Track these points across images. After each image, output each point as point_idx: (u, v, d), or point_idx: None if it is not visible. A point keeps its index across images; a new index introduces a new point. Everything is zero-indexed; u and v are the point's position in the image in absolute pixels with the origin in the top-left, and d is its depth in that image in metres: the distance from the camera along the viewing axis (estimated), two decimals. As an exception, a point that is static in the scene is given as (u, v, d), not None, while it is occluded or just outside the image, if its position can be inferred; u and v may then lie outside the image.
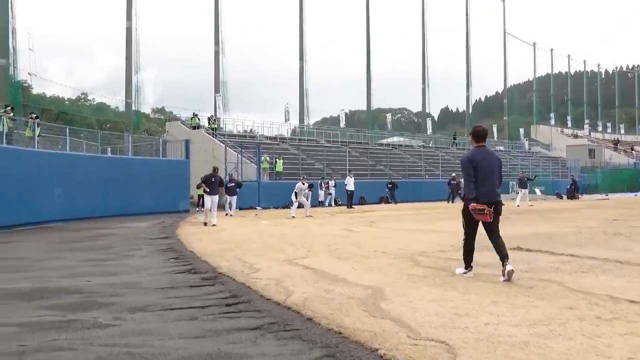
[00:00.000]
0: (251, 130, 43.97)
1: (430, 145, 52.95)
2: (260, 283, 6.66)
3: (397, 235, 12.53)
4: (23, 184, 17.12)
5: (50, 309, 5.58)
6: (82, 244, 12.26)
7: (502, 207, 6.77)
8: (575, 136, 71.77)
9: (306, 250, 9.82)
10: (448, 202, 33.49)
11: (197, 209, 27.32)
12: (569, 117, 76.87)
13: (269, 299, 5.80)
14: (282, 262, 8.44)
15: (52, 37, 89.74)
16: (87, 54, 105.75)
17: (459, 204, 32.37)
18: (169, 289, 6.60)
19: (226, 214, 22.27)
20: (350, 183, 28.05)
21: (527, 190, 27.62)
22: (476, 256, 7.89)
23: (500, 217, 6.72)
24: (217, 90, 42.40)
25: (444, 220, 17.44)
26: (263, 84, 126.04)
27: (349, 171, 30.07)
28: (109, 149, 26.39)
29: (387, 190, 33.91)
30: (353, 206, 28.03)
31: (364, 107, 61.50)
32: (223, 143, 34.26)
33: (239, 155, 31.65)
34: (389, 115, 61.82)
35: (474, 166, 6.60)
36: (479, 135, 6.93)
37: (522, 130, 67.52)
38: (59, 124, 23.74)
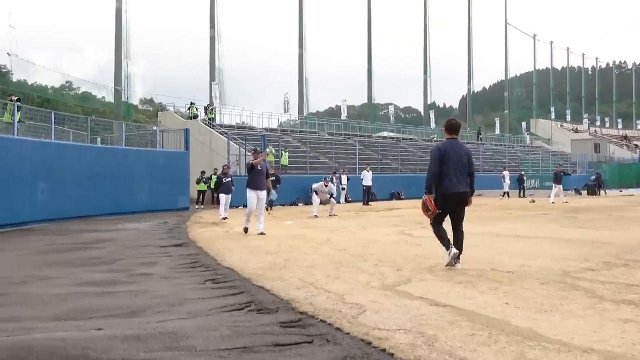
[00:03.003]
0: (243, 122, 40.88)
1: (436, 139, 50.31)
2: (397, 340, 3.92)
3: (483, 242, 9.84)
4: (-1, 177, 14.19)
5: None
6: (76, 254, 9.43)
7: (469, 199, 7.01)
8: (576, 130, 69.75)
9: (394, 268, 7.10)
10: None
11: (197, 207, 24.54)
12: (568, 111, 74.77)
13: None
14: (381, 290, 5.72)
15: (39, 30, 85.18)
16: (75, 49, 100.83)
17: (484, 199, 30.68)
18: (241, 351, 3.86)
19: (223, 218, 16.98)
20: (367, 177, 25.34)
21: (561, 186, 25.08)
22: None
23: (466, 208, 7.04)
24: (212, 78, 39.38)
25: (506, 221, 14.90)
26: (256, 80, 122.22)
27: (367, 164, 27.30)
28: (98, 139, 23.39)
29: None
30: (370, 203, 25.34)
31: (353, 102, 58.24)
32: (222, 134, 31.41)
33: (241, 148, 28.80)
34: (391, 108, 59.20)
35: (444, 157, 6.73)
36: (452, 128, 7.06)
37: (524, 124, 65.27)
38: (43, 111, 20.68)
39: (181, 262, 8.24)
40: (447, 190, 6.77)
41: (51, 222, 15.87)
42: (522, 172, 34.31)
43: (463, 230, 6.99)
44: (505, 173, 33.37)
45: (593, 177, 36.09)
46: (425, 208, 6.86)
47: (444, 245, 6.95)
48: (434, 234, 7.03)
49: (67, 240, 11.81)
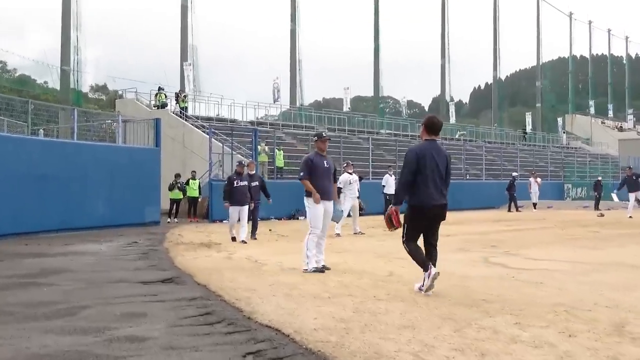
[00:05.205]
0: (218, 114, 38.64)
1: (458, 137, 48.58)
2: None
3: (630, 280, 7.94)
4: None
5: None
6: (14, 295, 7.31)
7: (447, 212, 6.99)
8: (620, 129, 68.59)
9: (556, 330, 5.09)
10: (509, 210, 29.55)
11: (169, 221, 22.40)
12: (610, 106, 73.65)
13: None
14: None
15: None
16: (15, 31, 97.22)
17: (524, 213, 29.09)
18: None
19: (235, 238, 14.36)
20: (389, 184, 23.23)
21: (637, 194, 23.33)
22: None
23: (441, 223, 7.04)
24: (184, 57, 37.18)
25: (608, 243, 13.23)
26: (235, 66, 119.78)
27: (389, 167, 25.23)
28: (40, 130, 21.15)
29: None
30: (393, 217, 23.30)
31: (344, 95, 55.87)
32: (200, 128, 29.34)
33: (225, 146, 26.64)
34: (403, 99, 57.35)
35: (421, 163, 6.74)
36: (433, 127, 7.04)
37: (559, 121, 63.82)
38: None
39: (185, 314, 6.14)
40: (424, 203, 6.75)
41: (-23, 241, 13.73)
42: (600, 178, 32.62)
43: (436, 247, 7.04)
44: (537, 180, 31.81)
45: None
46: (390, 222, 6.90)
47: (420, 266, 6.87)
48: (408, 253, 7.00)
49: (0, 270, 9.64)
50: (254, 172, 15.32)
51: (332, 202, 9.27)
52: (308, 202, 8.98)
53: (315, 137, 9.70)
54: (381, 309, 6.06)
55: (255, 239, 14.74)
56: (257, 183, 14.90)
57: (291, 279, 8.21)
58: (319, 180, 8.99)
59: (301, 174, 9.06)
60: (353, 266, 9.54)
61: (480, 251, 11.57)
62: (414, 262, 6.94)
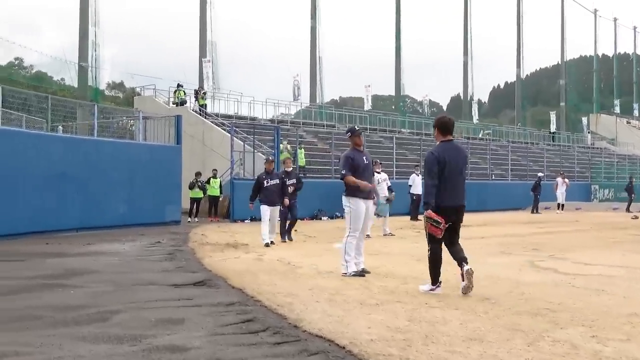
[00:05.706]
0: (236, 112, 38.28)
1: (481, 136, 47.95)
2: None
3: None
4: None
5: None
6: (39, 297, 7.00)
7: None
8: (646, 129, 67.59)
9: (638, 344, 4.65)
10: (533, 212, 29.02)
11: (189, 220, 22.11)
12: (635, 106, 72.54)
13: None
14: None
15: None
16: (32, 29, 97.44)
17: (545, 215, 28.61)
18: None
19: (268, 244, 13.19)
20: (416, 184, 22.87)
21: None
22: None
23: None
24: (203, 54, 36.88)
25: None
26: (254, 64, 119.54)
27: (415, 166, 24.80)
28: (60, 127, 20.91)
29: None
30: (419, 217, 22.90)
31: (361, 94, 55.25)
32: (220, 125, 29.04)
33: (244, 144, 26.26)
34: (425, 98, 56.75)
35: (440, 165, 6.75)
36: (446, 127, 6.99)
37: (584, 120, 62.92)
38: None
39: (226, 321, 5.76)
40: (445, 204, 6.75)
41: (-3, 240, 13.46)
42: (633, 178, 31.99)
43: (459, 242, 7.04)
44: (566, 180, 31.23)
45: None
46: (434, 223, 6.68)
47: (432, 276, 7.00)
48: (429, 257, 6.97)
49: (22, 270, 9.37)
50: (290, 169, 14.86)
51: (371, 201, 8.91)
52: (349, 202, 8.52)
53: (349, 133, 9.25)
54: (438, 318, 5.65)
55: (292, 239, 14.31)
56: (294, 181, 14.40)
57: (331, 283, 7.82)
58: (360, 178, 8.54)
59: (342, 172, 8.62)
60: (393, 270, 9.17)
61: (523, 254, 11.14)
62: (430, 269, 6.99)
